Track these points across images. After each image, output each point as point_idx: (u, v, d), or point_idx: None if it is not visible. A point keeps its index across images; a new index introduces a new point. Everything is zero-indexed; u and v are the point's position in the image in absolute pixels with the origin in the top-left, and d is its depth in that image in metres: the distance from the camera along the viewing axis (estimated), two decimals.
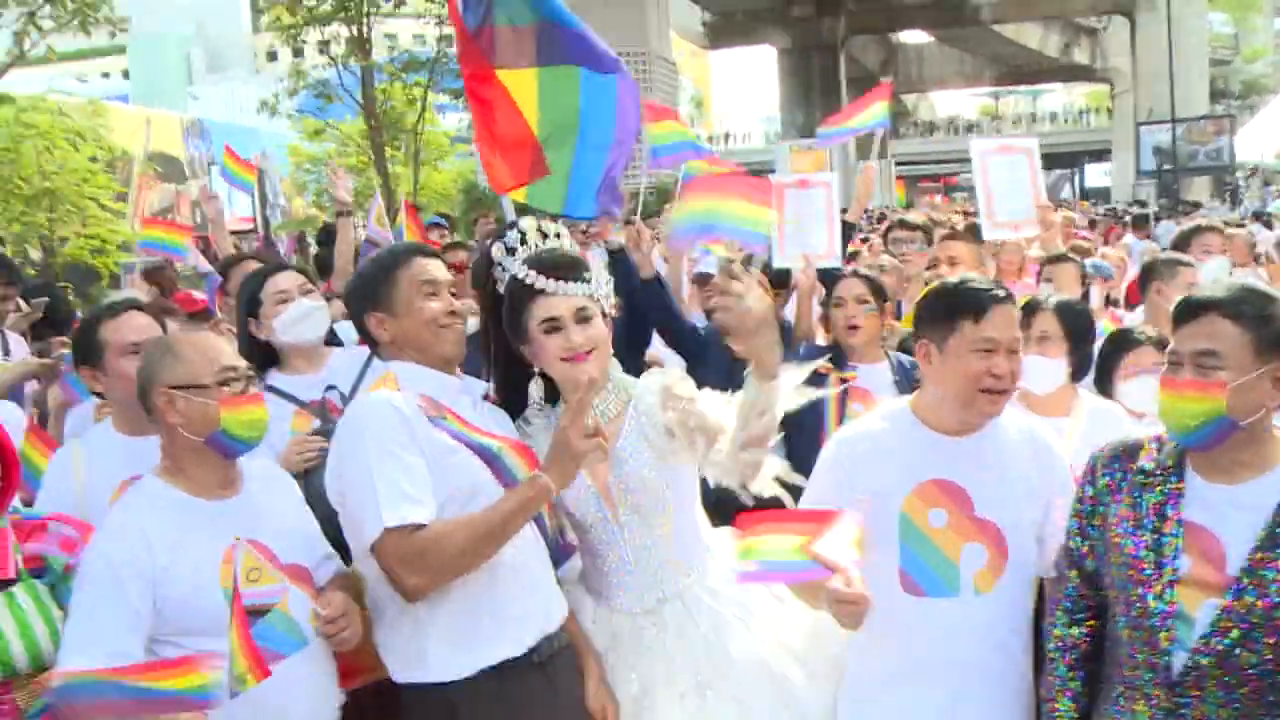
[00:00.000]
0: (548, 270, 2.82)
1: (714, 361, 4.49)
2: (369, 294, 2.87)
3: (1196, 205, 27.27)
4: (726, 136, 58.12)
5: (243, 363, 2.80)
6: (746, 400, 2.79)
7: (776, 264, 5.45)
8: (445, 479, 2.65)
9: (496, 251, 2.91)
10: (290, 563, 2.74)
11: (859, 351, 4.49)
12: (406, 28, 27.89)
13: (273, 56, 49.61)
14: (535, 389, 2.97)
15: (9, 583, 2.63)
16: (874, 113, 8.08)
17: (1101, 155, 46.95)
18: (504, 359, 2.98)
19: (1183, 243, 6.22)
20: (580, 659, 2.92)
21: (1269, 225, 17.87)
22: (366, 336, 2.93)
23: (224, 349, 2.80)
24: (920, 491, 2.76)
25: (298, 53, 24.34)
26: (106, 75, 51.95)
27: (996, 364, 2.70)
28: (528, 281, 2.83)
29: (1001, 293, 2.77)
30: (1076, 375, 3.70)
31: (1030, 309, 3.63)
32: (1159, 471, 2.48)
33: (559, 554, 3.12)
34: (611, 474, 2.88)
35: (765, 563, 2.49)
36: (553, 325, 2.82)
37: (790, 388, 2.87)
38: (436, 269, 2.89)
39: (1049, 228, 5.38)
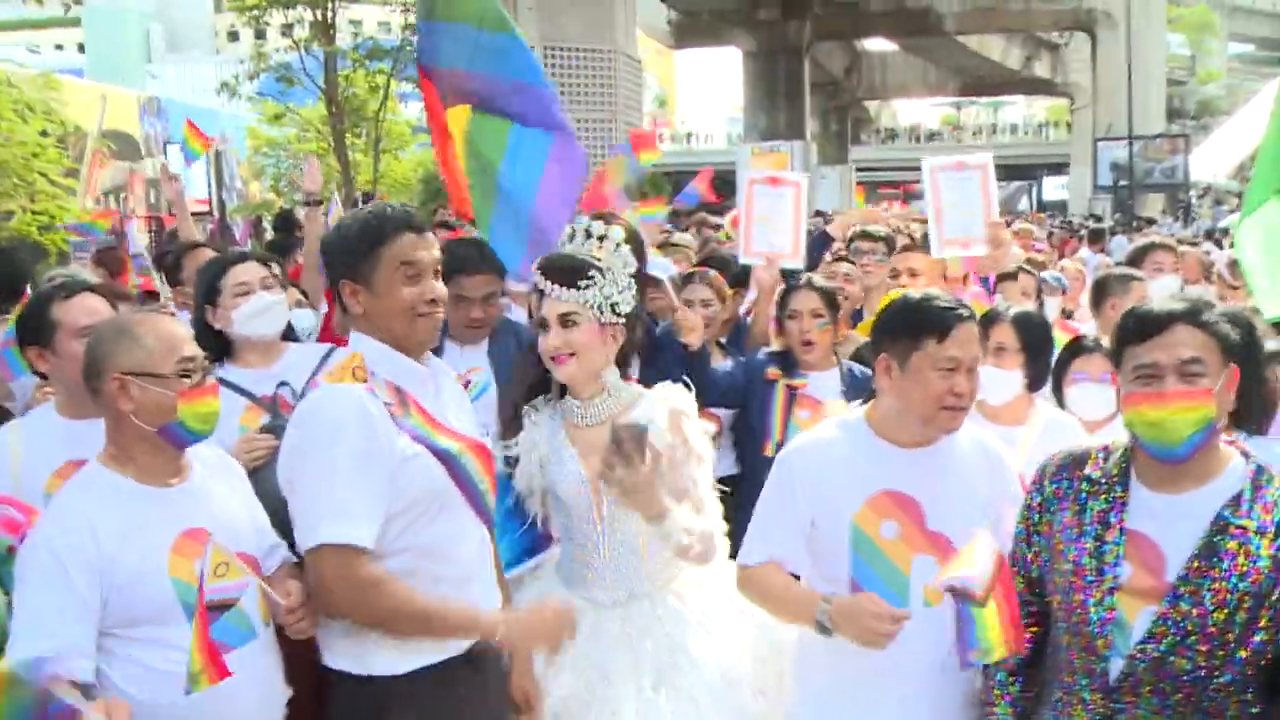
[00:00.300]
0: (548, 273, 3.00)
1: (668, 363, 4.46)
2: (348, 262, 2.70)
3: (1151, 221, 27.65)
4: (689, 136, 58.19)
5: (199, 351, 2.72)
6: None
7: (741, 261, 5.43)
8: (404, 486, 2.59)
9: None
10: (239, 551, 2.65)
11: (809, 360, 4.49)
12: (372, 14, 27.66)
13: (234, 37, 49.06)
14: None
15: None
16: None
17: (1059, 169, 47.58)
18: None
19: (1136, 259, 6.27)
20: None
21: (1220, 244, 18.12)
22: (338, 298, 2.80)
23: (184, 336, 2.70)
24: (873, 503, 2.77)
25: (260, 35, 24.07)
26: (60, 47, 50.94)
27: (958, 383, 2.73)
28: (534, 281, 3.05)
29: (965, 311, 2.80)
30: (1033, 386, 3.74)
31: (988, 320, 3.66)
32: (1104, 480, 2.51)
33: (539, 543, 3.27)
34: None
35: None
36: (541, 324, 3.03)
37: (690, 518, 2.97)
38: (424, 248, 2.70)
39: (999, 245, 5.37)
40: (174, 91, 33.01)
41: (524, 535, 3.25)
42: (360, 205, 9.91)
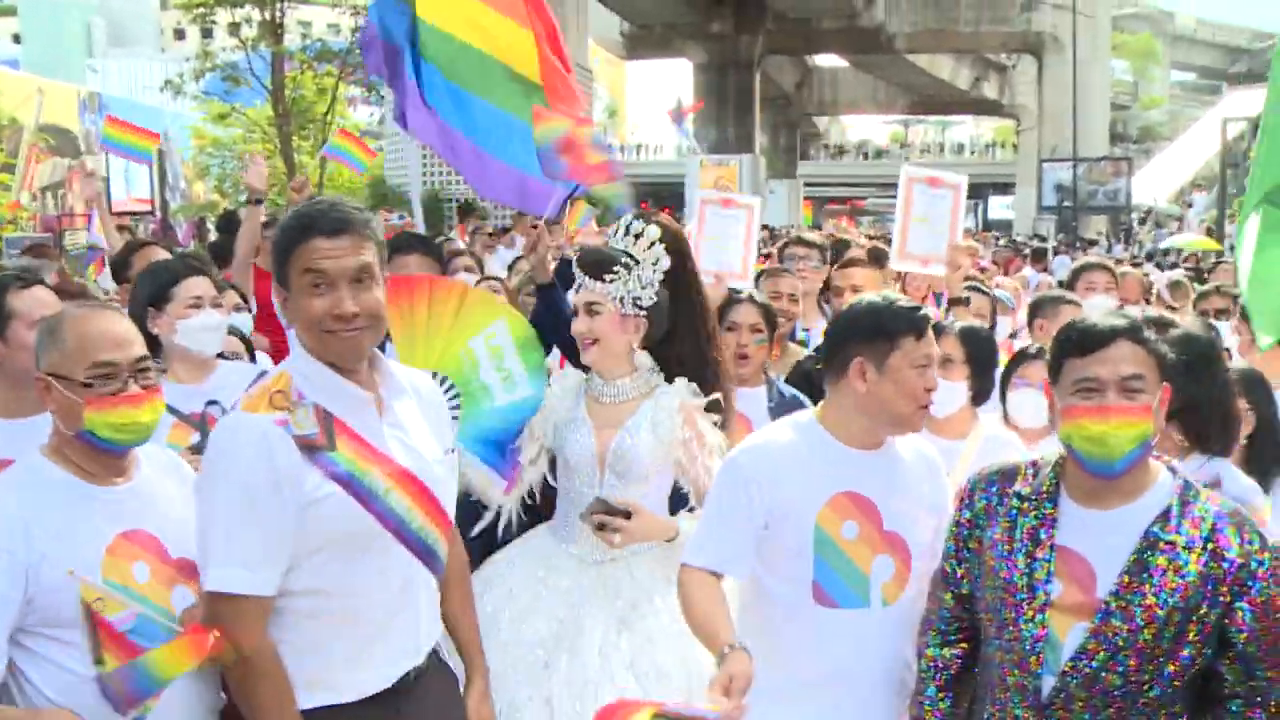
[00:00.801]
0: (580, 264, 3.32)
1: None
2: (275, 264, 2.51)
3: (1093, 242, 28.08)
4: (639, 148, 58.18)
5: (129, 356, 2.53)
6: None
7: None
8: (312, 529, 2.41)
9: None
10: (179, 556, 2.56)
11: (743, 374, 4.42)
12: (321, 15, 27.43)
13: (180, 35, 48.45)
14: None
15: None
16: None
17: (1006, 188, 48.09)
18: None
19: (1072, 279, 6.31)
20: (469, 668, 2.79)
21: (1161, 267, 18.42)
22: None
23: (107, 339, 2.52)
24: (833, 504, 2.77)
25: (207, 33, 23.80)
26: None
27: (931, 379, 2.79)
28: (573, 270, 3.35)
29: (924, 309, 2.88)
30: (977, 400, 3.77)
31: (935, 332, 3.63)
32: (1034, 496, 2.51)
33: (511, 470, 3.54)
34: (613, 442, 3.27)
35: None
36: (574, 310, 3.33)
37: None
38: (332, 254, 2.42)
39: (957, 269, 5.37)
40: (116, 88, 32.33)
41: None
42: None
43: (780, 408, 4.24)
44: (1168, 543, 2.37)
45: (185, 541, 2.56)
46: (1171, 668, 2.36)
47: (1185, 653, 2.35)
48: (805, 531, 2.75)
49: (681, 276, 3.39)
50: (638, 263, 3.26)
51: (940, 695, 2.66)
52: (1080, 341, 2.43)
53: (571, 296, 3.43)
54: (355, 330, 2.45)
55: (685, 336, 3.42)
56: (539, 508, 3.54)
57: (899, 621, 2.79)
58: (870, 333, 2.76)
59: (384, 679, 2.54)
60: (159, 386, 2.61)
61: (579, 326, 3.30)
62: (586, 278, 3.28)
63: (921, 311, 2.82)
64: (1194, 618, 2.34)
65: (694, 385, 3.35)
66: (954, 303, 5.40)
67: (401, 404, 2.62)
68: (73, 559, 2.42)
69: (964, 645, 2.67)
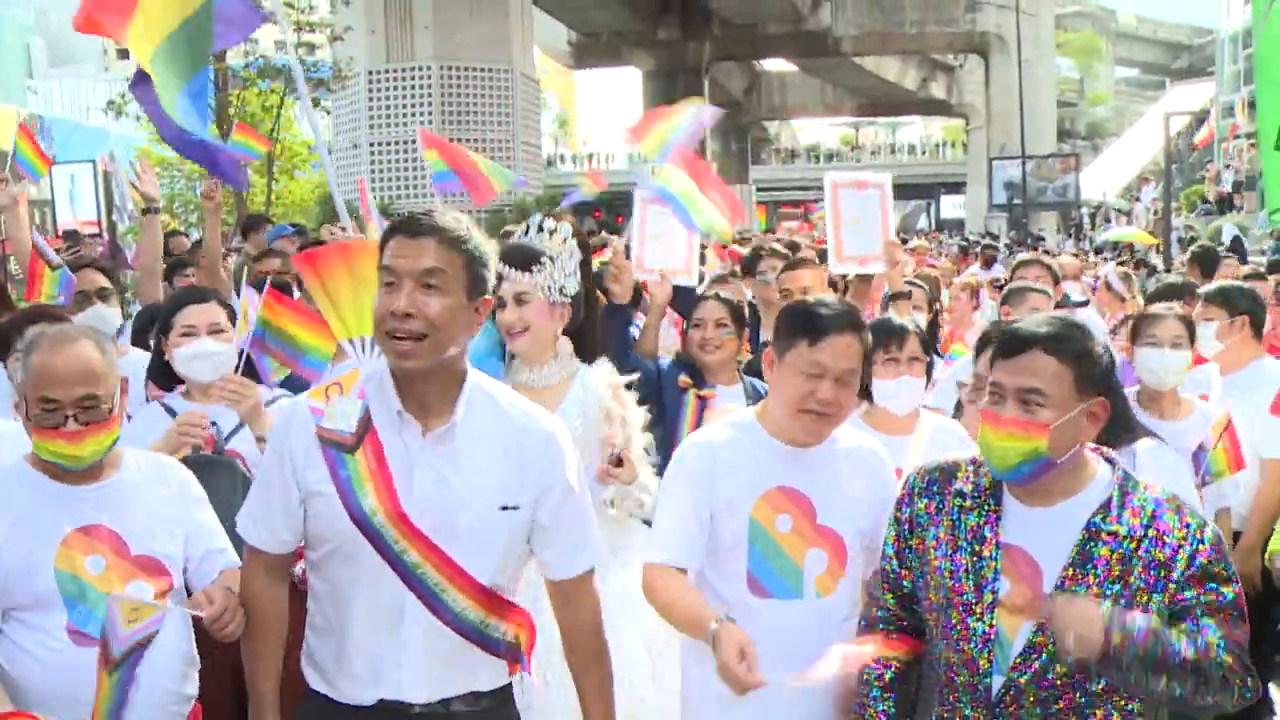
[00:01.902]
0: (506, 259, 3.43)
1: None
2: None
3: (1040, 239, 28.44)
4: (591, 157, 58.19)
5: (72, 395, 2.62)
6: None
7: (636, 276, 5.39)
8: (311, 520, 2.45)
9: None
10: (140, 554, 2.72)
11: (715, 372, 4.52)
12: (267, 33, 27.17)
13: (124, 54, 47.76)
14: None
15: None
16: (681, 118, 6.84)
17: (957, 187, 48.56)
18: None
19: (1012, 275, 6.46)
20: None
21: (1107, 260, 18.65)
22: None
23: (56, 377, 2.63)
24: (768, 498, 2.82)
25: None
26: None
27: (822, 389, 2.73)
28: (496, 267, 3.18)
29: (845, 322, 2.77)
30: None
31: (903, 333, 3.72)
32: (976, 494, 2.50)
33: None
34: None
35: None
36: (500, 303, 3.41)
37: (651, 479, 3.50)
38: (406, 253, 2.35)
39: (895, 264, 5.44)
40: (58, 109, 31.87)
41: None
42: (249, 227, 9.49)
43: (758, 403, 4.29)
44: (1109, 533, 2.37)
45: (151, 539, 2.75)
46: None
47: None
48: (741, 525, 2.81)
49: (586, 269, 3.67)
50: (557, 256, 3.49)
51: (883, 696, 2.64)
52: (1000, 344, 2.44)
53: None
54: (408, 334, 2.34)
55: (590, 320, 3.70)
56: None
57: (835, 612, 2.82)
58: (780, 328, 2.85)
59: (361, 696, 2.46)
60: (107, 421, 2.68)
61: (508, 317, 3.46)
62: (512, 270, 3.44)
63: (833, 320, 2.75)
64: (1137, 606, 2.34)
65: (612, 366, 3.60)
66: (895, 297, 5.48)
67: (473, 439, 2.46)
68: (29, 544, 2.63)
69: (906, 647, 2.65)
